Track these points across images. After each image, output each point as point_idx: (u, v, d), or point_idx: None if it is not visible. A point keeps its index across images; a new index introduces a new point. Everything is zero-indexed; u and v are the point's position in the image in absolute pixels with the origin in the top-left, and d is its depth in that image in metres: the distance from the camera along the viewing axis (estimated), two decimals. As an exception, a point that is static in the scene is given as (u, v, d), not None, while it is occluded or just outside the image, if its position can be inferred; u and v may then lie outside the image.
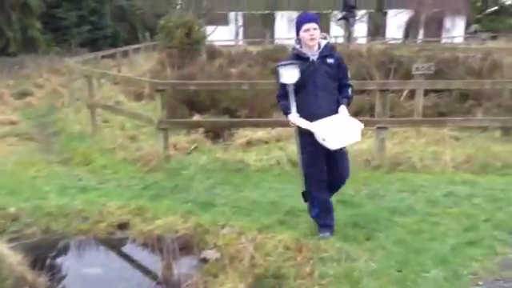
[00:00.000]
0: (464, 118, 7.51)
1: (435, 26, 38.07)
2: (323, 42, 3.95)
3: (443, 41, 35.04)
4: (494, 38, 33.37)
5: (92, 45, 23.79)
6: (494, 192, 5.19)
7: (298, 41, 3.97)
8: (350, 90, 4.04)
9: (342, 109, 3.92)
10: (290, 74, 3.89)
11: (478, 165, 6.05)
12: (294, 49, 4.01)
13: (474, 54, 16.14)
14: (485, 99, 9.16)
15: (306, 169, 4.09)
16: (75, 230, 4.50)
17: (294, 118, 3.90)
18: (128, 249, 4.31)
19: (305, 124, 3.84)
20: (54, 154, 7.16)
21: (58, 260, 4.09)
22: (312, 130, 3.78)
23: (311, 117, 3.87)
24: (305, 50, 3.93)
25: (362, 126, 3.82)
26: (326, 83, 3.92)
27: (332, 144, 3.73)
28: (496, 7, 45.48)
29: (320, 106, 3.89)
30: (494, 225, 4.36)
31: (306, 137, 3.92)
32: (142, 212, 4.74)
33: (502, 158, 6.18)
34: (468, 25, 41.34)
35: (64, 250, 4.26)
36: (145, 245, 4.27)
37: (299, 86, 3.89)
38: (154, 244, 4.20)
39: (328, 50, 3.96)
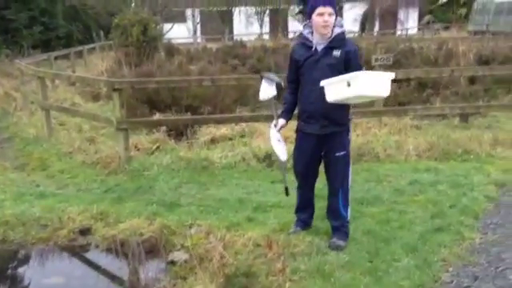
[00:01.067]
0: (425, 106, 7.63)
1: (390, 19, 38.90)
2: (337, 31, 3.52)
3: (398, 33, 35.80)
4: (446, 28, 34.35)
5: (45, 46, 23.02)
6: (457, 178, 5.28)
7: (308, 26, 3.57)
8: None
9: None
10: (265, 90, 3.73)
11: (439, 152, 6.15)
12: (300, 35, 3.64)
13: (429, 44, 16.56)
14: (442, 88, 9.36)
15: (294, 163, 3.92)
16: (34, 238, 4.27)
17: (273, 127, 3.76)
18: (91, 255, 4.12)
19: (272, 135, 3.69)
20: (9, 160, 6.84)
21: (17, 271, 3.89)
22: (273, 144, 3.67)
23: (303, 112, 3.71)
24: (314, 37, 3.55)
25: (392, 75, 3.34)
26: (325, 78, 3.43)
27: (357, 89, 3.23)
28: (447, -2, 46.78)
29: (311, 102, 3.58)
30: (460, 210, 4.42)
31: (300, 133, 3.78)
32: (104, 216, 4.55)
33: (462, 144, 6.30)
34: (421, 16, 42.40)
35: (23, 260, 4.05)
36: (109, 250, 4.09)
37: (301, 77, 3.67)
38: (119, 249, 4.02)
39: (338, 41, 3.51)
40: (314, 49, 3.56)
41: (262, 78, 3.80)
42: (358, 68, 3.54)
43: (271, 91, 3.72)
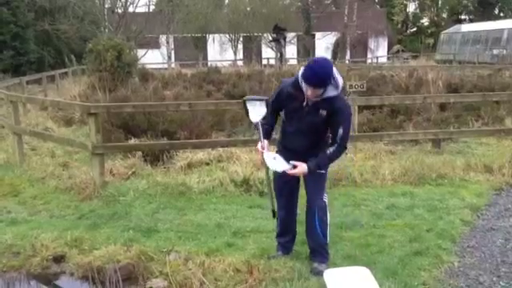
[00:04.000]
0: (399, 132, 7.77)
1: (361, 47, 39.95)
2: (330, 94, 3.47)
3: (369, 61, 36.70)
4: (415, 57, 35.41)
5: (15, 71, 22.66)
6: (433, 202, 5.36)
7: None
8: (330, 150, 3.54)
9: (300, 164, 3.53)
10: (256, 112, 3.72)
11: (414, 176, 6.24)
12: (299, 77, 3.51)
13: (399, 72, 16.99)
14: (414, 114, 9.58)
15: (274, 181, 3.94)
16: (6, 266, 4.12)
17: (264, 151, 3.71)
18: (65, 283, 4.01)
19: (267, 157, 3.65)
20: (-22, 186, 6.62)
21: (-13, 301, 3.72)
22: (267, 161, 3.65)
23: (283, 146, 3.80)
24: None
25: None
26: (308, 129, 3.57)
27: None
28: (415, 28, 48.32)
29: (295, 146, 3.68)
30: (437, 234, 4.48)
31: (279, 153, 3.77)
32: (78, 243, 4.43)
33: (436, 169, 6.42)
34: (390, 45, 43.63)
35: (-7, 290, 3.89)
36: (84, 278, 3.98)
37: (285, 115, 3.70)
38: (95, 276, 3.91)
39: (327, 103, 3.49)
40: (305, 103, 3.55)
41: (245, 102, 3.79)
42: (337, 127, 3.52)
43: (262, 111, 3.71)
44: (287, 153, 3.70)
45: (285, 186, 3.86)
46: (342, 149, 3.59)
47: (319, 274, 3.60)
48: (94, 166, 6.02)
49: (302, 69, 3.54)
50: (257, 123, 3.73)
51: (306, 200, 3.84)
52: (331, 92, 3.47)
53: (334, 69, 3.48)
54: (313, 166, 3.55)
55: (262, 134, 3.69)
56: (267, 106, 3.70)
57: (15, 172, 6.98)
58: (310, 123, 3.57)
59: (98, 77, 13.74)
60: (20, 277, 4.04)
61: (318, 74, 3.38)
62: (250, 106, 3.73)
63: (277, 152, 3.81)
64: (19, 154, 7.42)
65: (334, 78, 3.47)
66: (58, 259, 4.22)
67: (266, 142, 3.76)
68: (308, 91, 3.45)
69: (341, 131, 3.52)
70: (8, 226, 4.93)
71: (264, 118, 3.73)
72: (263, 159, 3.64)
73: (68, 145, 7.29)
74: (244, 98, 3.83)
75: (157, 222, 4.93)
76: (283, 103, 3.68)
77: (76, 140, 7.20)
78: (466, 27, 37.15)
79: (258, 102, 3.72)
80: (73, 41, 26.53)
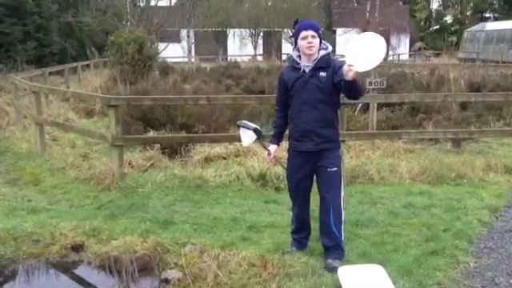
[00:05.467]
0: (418, 130, 7.69)
1: (382, 44, 39.42)
2: (322, 53, 3.70)
3: (390, 58, 36.27)
4: (437, 55, 34.90)
5: (38, 62, 22.95)
6: (451, 202, 5.31)
7: (297, 49, 3.76)
8: None
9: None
10: (247, 137, 3.94)
11: (432, 176, 6.19)
12: (290, 58, 3.84)
13: (421, 69, 16.80)
14: (434, 112, 9.47)
15: (287, 181, 4.04)
16: (25, 253, 4.20)
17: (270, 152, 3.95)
18: (83, 272, 4.06)
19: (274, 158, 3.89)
20: (0, 175, 6.77)
21: (7, 287, 3.80)
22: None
23: (294, 132, 3.83)
24: (302, 60, 3.73)
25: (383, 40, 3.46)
26: (314, 98, 3.66)
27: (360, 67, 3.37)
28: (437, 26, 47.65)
29: (303, 122, 3.72)
30: (454, 234, 4.43)
31: (292, 151, 3.88)
32: (97, 233, 4.49)
33: (455, 168, 6.35)
34: (412, 43, 43.12)
35: (13, 276, 3.98)
36: (101, 267, 4.04)
37: (290, 98, 3.80)
38: (112, 266, 3.98)
39: (324, 62, 3.67)
40: (302, 70, 3.73)
41: (239, 127, 4.00)
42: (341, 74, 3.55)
43: (251, 137, 3.92)
44: (298, 144, 3.80)
45: (299, 182, 3.88)
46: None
47: (333, 270, 3.61)
48: (113, 157, 6.10)
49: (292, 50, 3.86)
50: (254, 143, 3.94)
51: (319, 197, 3.85)
52: (323, 52, 3.70)
53: None
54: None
55: (265, 145, 3.95)
56: (258, 133, 3.89)
57: (36, 161, 7.12)
58: (314, 90, 3.67)
59: (119, 69, 13.87)
60: (39, 264, 4.12)
61: (308, 21, 3.77)
62: (242, 131, 3.97)
63: (289, 145, 3.93)
64: (41, 144, 7.55)
65: (322, 42, 3.72)
66: (77, 248, 4.29)
67: (272, 147, 3.94)
68: (303, 44, 3.65)
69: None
70: (28, 214, 5.04)
71: (257, 140, 3.94)
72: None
73: (88, 136, 7.40)
74: (238, 123, 4.02)
75: (173, 215, 4.99)
76: (286, 85, 3.82)
77: (96, 131, 7.30)
78: (491, 25, 36.48)
79: (248, 131, 3.91)
80: (95, 33, 26.79)
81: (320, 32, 3.70)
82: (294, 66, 3.79)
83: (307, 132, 3.72)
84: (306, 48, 3.65)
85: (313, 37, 3.63)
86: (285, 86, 3.83)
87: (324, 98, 3.68)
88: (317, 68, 3.68)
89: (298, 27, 3.72)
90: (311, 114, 3.68)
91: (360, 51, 3.43)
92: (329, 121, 3.73)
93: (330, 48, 3.76)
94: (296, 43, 3.74)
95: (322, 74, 3.66)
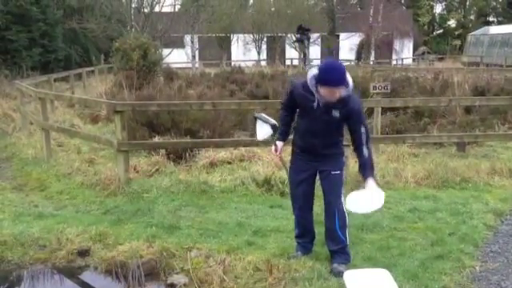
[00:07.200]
0: (423, 134, 7.69)
1: (385, 49, 39.52)
2: (342, 93, 3.47)
3: (393, 62, 36.30)
4: (441, 59, 34.90)
5: (43, 68, 23.13)
6: (456, 206, 5.30)
7: (314, 78, 3.49)
8: (366, 152, 3.60)
9: (370, 184, 3.58)
10: (263, 131, 3.89)
11: (437, 180, 6.18)
12: (309, 80, 3.52)
13: (425, 74, 16.80)
14: (439, 116, 9.46)
15: (290, 183, 4.05)
16: (32, 259, 4.24)
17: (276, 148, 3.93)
18: (89, 277, 4.09)
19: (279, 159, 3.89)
20: (7, 180, 6.81)
21: (14, 292, 3.83)
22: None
23: (299, 142, 3.85)
24: (317, 94, 3.51)
25: (382, 193, 3.59)
26: (322, 129, 3.63)
27: (350, 206, 3.57)
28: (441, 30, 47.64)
29: (306, 141, 3.75)
30: (460, 238, 4.43)
31: (295, 154, 3.90)
32: (103, 238, 4.52)
33: (460, 172, 6.34)
34: (416, 47, 43.10)
35: (20, 281, 4.01)
36: (107, 272, 4.06)
37: (299, 111, 3.78)
38: (118, 271, 4.01)
39: (339, 103, 3.50)
40: (316, 103, 3.57)
41: (255, 118, 3.96)
42: (358, 127, 3.59)
43: (267, 131, 3.88)
44: (301, 153, 3.81)
45: (300, 183, 3.89)
46: (370, 143, 3.67)
47: (339, 274, 3.61)
48: (118, 162, 6.13)
49: (312, 73, 3.54)
50: (274, 130, 3.87)
51: (324, 202, 3.86)
52: (343, 92, 3.49)
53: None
54: (372, 176, 3.65)
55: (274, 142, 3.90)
56: (275, 130, 3.85)
57: (42, 167, 7.15)
58: (323, 123, 3.62)
59: (124, 75, 13.94)
60: (45, 269, 4.15)
61: (336, 74, 3.41)
62: (258, 124, 3.92)
63: (292, 154, 3.94)
64: (47, 150, 7.60)
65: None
66: (83, 253, 4.31)
67: (279, 143, 3.92)
68: (325, 93, 3.46)
69: (363, 130, 3.59)
70: (35, 219, 5.06)
71: (272, 136, 3.89)
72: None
73: (94, 141, 7.44)
74: (256, 115, 3.95)
75: (179, 220, 5.00)
76: (296, 102, 3.76)
77: (102, 137, 7.34)
78: (495, 29, 36.49)
79: (265, 125, 3.87)
80: (100, 39, 26.99)
81: (346, 80, 3.45)
82: (307, 91, 3.58)
83: (309, 150, 3.76)
84: (329, 97, 3.46)
85: (339, 91, 3.45)
86: (294, 100, 3.77)
87: (332, 130, 3.69)
88: (331, 106, 3.52)
89: (324, 80, 3.41)
90: (317, 139, 3.67)
91: (361, 198, 3.55)
92: (334, 142, 3.76)
93: (351, 85, 3.52)
94: (317, 84, 3.48)
95: (336, 113, 3.54)
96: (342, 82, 3.41)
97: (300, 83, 3.70)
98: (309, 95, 3.58)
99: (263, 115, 3.97)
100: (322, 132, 3.66)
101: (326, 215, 3.87)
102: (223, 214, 5.21)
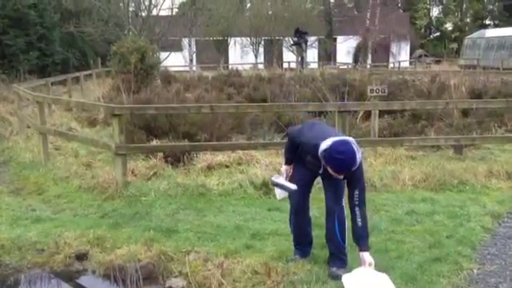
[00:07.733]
0: (420, 137, 7.71)
1: (382, 52, 39.63)
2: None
3: (391, 65, 36.38)
4: (437, 62, 35.00)
5: (41, 71, 23.08)
6: (454, 209, 5.31)
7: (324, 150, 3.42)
8: (359, 219, 3.57)
9: (365, 257, 3.52)
10: (281, 193, 3.91)
11: (435, 182, 6.19)
12: (320, 152, 3.46)
13: (422, 76, 16.84)
14: (436, 119, 9.48)
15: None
16: (30, 263, 4.24)
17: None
18: (87, 281, 4.09)
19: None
20: (4, 184, 6.80)
21: (12, 296, 3.83)
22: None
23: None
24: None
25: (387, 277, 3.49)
26: (324, 182, 3.84)
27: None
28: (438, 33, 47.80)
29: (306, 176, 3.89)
30: (457, 241, 4.44)
31: (297, 164, 3.92)
32: (101, 241, 4.51)
33: (457, 175, 6.36)
34: (412, 50, 43.23)
35: (18, 285, 4.00)
36: (106, 276, 4.07)
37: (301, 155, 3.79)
38: (116, 275, 4.01)
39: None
40: (321, 169, 3.63)
41: (273, 184, 3.96)
42: (356, 187, 3.58)
43: (285, 194, 3.92)
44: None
45: (297, 181, 3.88)
46: (364, 203, 3.64)
47: (337, 277, 3.62)
48: (116, 166, 6.13)
49: (323, 147, 3.44)
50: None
51: (325, 205, 3.87)
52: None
53: (354, 146, 3.45)
54: (368, 245, 3.64)
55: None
56: (291, 193, 3.85)
57: (40, 171, 7.14)
58: (324, 179, 3.78)
59: (122, 79, 13.92)
60: (43, 273, 4.14)
61: (345, 164, 3.39)
62: (277, 188, 3.92)
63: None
64: (44, 154, 7.59)
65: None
66: (81, 257, 4.32)
67: (285, 168, 3.98)
68: (332, 172, 3.46)
69: (357, 192, 3.59)
70: (33, 223, 5.06)
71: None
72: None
73: (92, 145, 7.43)
74: (273, 182, 3.94)
75: (177, 223, 5.00)
76: (297, 145, 3.78)
77: (100, 140, 7.34)
78: (491, 32, 36.60)
79: (282, 191, 3.89)
80: (97, 43, 26.96)
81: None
82: (315, 158, 3.57)
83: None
84: (337, 175, 3.48)
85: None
86: (295, 146, 3.79)
87: (332, 184, 3.76)
88: None
89: (332, 167, 3.41)
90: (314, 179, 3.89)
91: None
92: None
93: (359, 159, 3.47)
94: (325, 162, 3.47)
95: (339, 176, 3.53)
96: (350, 169, 3.43)
97: (309, 148, 3.62)
98: (316, 161, 3.60)
99: (281, 181, 3.90)
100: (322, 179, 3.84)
101: (327, 218, 3.89)
102: (221, 217, 5.21)
